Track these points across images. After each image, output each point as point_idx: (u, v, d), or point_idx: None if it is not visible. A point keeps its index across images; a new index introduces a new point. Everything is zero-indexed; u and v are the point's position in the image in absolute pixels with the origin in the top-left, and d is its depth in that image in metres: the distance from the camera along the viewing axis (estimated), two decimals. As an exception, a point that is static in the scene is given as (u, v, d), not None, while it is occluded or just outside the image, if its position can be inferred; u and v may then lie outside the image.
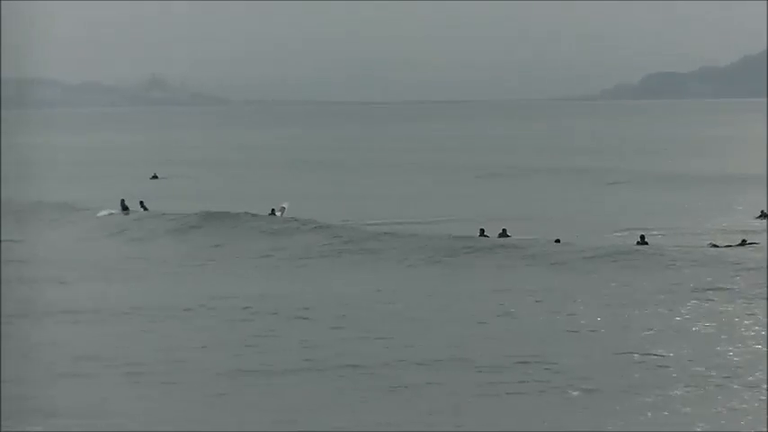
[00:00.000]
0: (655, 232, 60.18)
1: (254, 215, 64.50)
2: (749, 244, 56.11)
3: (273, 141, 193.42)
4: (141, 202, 71.09)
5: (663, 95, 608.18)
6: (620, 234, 61.04)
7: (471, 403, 27.36)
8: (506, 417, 26.50)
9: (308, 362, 31.14)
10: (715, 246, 55.46)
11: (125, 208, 70.89)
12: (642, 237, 57.35)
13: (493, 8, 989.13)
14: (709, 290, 42.23)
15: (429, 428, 25.48)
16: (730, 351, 32.38)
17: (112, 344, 34.37)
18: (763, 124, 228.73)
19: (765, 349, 32.16)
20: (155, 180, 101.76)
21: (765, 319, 36.31)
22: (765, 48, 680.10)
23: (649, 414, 26.15)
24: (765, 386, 28.03)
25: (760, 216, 69.53)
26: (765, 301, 38.97)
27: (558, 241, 55.42)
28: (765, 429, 22.89)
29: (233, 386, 28.77)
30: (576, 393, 27.79)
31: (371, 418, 26.15)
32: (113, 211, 70.45)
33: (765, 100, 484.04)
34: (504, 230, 60.25)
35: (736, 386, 28.27)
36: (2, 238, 59.36)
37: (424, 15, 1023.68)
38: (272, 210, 68.47)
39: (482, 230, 58.76)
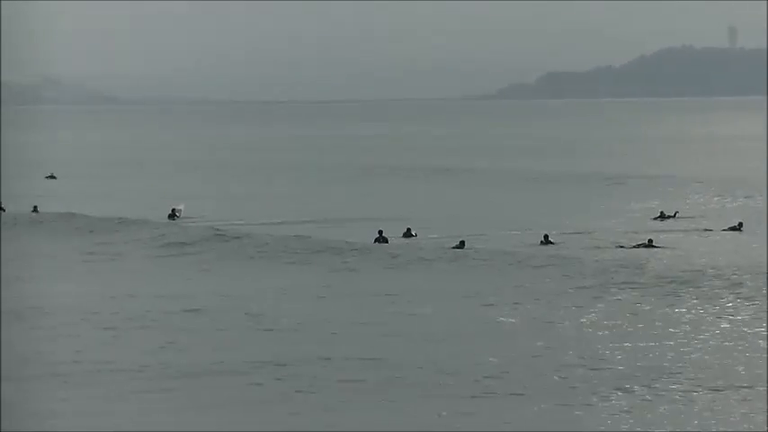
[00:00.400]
0: (554, 231, 59.81)
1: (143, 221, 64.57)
2: (653, 246, 56.39)
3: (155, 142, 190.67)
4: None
5: (558, 95, 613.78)
6: (521, 233, 61.15)
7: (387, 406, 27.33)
8: (425, 417, 26.41)
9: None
10: (621, 246, 56.25)
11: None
12: (546, 236, 57.96)
13: (391, 6, 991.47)
14: (617, 289, 42.96)
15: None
16: (646, 349, 32.81)
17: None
18: (653, 124, 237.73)
19: (673, 344, 33.44)
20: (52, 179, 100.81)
21: (674, 316, 37.85)
22: (660, 48, 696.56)
23: (578, 413, 26.34)
24: (676, 382, 28.88)
25: (658, 217, 70.27)
26: (671, 298, 40.96)
27: (462, 243, 55.44)
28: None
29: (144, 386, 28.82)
30: (492, 393, 27.99)
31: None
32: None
33: (661, 99, 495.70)
34: (408, 230, 60.79)
35: (657, 384, 28.57)
36: None
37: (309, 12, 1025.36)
38: (173, 210, 70.02)
39: (380, 231, 58.13)
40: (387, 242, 57.68)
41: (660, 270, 47.78)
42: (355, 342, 35.20)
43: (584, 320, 37.66)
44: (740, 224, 63.95)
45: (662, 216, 70.84)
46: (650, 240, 56.82)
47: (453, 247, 55.23)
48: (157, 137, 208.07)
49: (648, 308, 39.50)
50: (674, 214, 71.19)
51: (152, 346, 33.34)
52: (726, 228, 63.70)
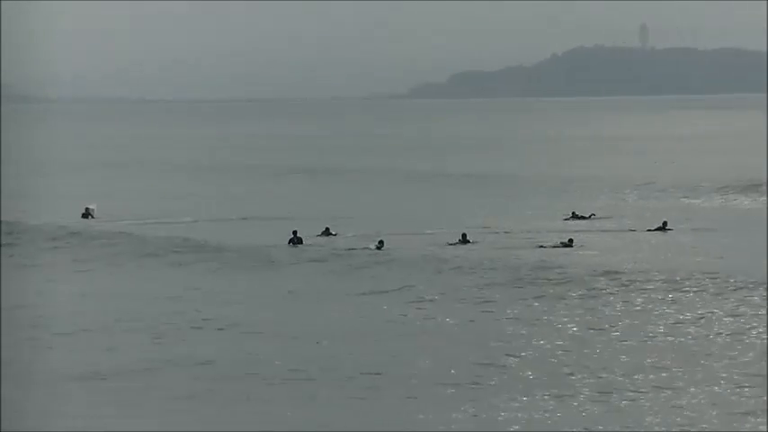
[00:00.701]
0: (468, 230, 59.93)
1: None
2: (572, 245, 57.06)
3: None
4: None
5: (470, 94, 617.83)
6: (437, 233, 61.46)
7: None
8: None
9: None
10: (542, 246, 56.89)
11: None
12: (464, 235, 58.67)
13: (305, 6, 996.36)
14: (534, 288, 43.54)
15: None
16: (554, 348, 33.47)
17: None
18: (559, 124, 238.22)
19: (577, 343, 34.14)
20: None
21: (588, 317, 38.30)
22: (571, 47, 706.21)
23: (504, 414, 26.51)
24: (576, 382, 29.40)
25: (571, 217, 70.79)
26: (584, 299, 41.47)
27: (381, 243, 56.16)
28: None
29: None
30: (370, 391, 28.68)
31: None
32: None
33: (571, 99, 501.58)
34: (327, 229, 61.53)
35: (555, 386, 28.87)
36: None
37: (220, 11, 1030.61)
38: (86, 209, 70.94)
39: (294, 232, 58.62)
40: (301, 243, 58.02)
41: (575, 270, 47.88)
42: (242, 341, 36.06)
43: (493, 320, 38.33)
44: (665, 224, 64.53)
45: (574, 216, 71.05)
46: (570, 240, 57.66)
47: (373, 248, 55.71)
48: (108, 134, 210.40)
49: (563, 308, 39.87)
50: (590, 216, 71.41)
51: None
52: (652, 228, 64.10)
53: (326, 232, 61.90)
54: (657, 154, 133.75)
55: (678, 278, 45.11)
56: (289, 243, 57.97)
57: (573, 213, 72.01)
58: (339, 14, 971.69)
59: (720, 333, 35.59)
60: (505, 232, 62.96)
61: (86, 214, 69.86)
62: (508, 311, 39.57)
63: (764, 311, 38.10)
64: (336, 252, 55.27)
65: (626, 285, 44.12)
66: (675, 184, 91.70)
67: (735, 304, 40.00)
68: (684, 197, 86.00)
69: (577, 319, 38.26)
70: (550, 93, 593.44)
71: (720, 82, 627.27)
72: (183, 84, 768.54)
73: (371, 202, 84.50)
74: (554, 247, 57.06)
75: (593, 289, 43.37)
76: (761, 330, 35.66)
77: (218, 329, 37.64)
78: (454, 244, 57.85)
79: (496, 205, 79.06)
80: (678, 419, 26.38)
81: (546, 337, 35.46)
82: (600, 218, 71.45)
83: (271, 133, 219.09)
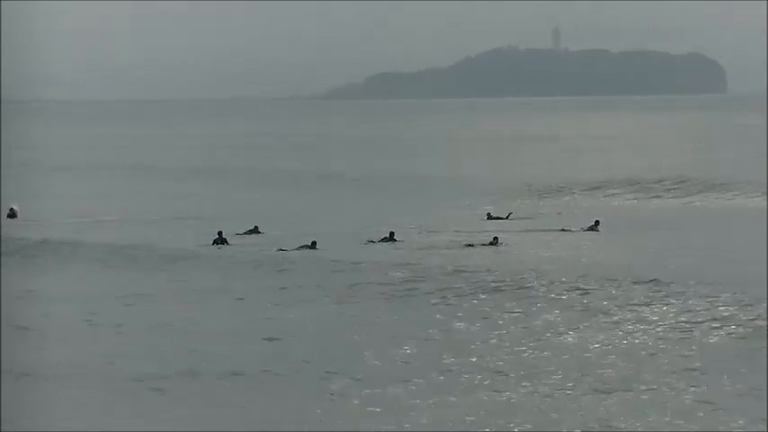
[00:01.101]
0: (398, 228, 59.73)
1: None
2: (498, 244, 56.60)
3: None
4: None
5: (387, 95, 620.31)
6: (362, 231, 61.22)
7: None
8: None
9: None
10: (470, 245, 56.33)
11: None
12: (392, 234, 58.37)
13: (218, 7, 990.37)
14: (464, 287, 42.59)
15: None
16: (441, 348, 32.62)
17: None
18: (472, 124, 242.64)
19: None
20: None
21: (513, 316, 37.47)
22: (486, 49, 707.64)
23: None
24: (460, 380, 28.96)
25: (488, 217, 70.32)
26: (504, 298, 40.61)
27: (314, 243, 55.45)
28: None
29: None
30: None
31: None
32: None
33: (485, 99, 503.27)
34: (255, 227, 61.26)
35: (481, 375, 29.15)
36: None
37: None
38: (11, 209, 69.59)
39: (219, 233, 57.40)
40: (227, 243, 56.71)
41: (503, 267, 47.09)
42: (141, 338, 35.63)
43: (415, 315, 37.91)
44: (597, 222, 64.03)
45: (489, 216, 70.83)
46: (495, 238, 57.17)
47: (305, 247, 54.97)
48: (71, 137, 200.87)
49: (476, 307, 39.05)
50: (507, 216, 71.21)
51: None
52: (585, 227, 63.29)
53: (254, 230, 61.49)
54: (554, 154, 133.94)
55: (599, 277, 43.83)
56: (213, 243, 56.89)
57: (488, 214, 71.91)
58: (258, 17, 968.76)
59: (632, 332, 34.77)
60: (432, 231, 62.55)
61: (12, 214, 68.56)
62: (429, 308, 38.96)
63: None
64: (260, 253, 53.98)
65: (551, 283, 43.04)
66: (568, 184, 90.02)
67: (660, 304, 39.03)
68: (585, 196, 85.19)
69: (506, 316, 37.45)
70: (464, 93, 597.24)
71: (628, 82, 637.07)
72: (178, 84, 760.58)
73: (287, 202, 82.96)
74: (482, 245, 56.63)
75: (518, 287, 42.47)
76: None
77: (117, 325, 37.20)
78: (378, 242, 57.42)
79: (415, 206, 78.04)
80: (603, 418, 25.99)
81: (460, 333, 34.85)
82: (518, 218, 70.76)
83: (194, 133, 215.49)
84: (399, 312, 39.26)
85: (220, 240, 56.85)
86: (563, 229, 64.04)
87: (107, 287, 45.83)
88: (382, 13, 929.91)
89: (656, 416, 25.95)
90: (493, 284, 43.39)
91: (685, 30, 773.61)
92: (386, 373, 30.33)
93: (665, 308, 38.40)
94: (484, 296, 41.47)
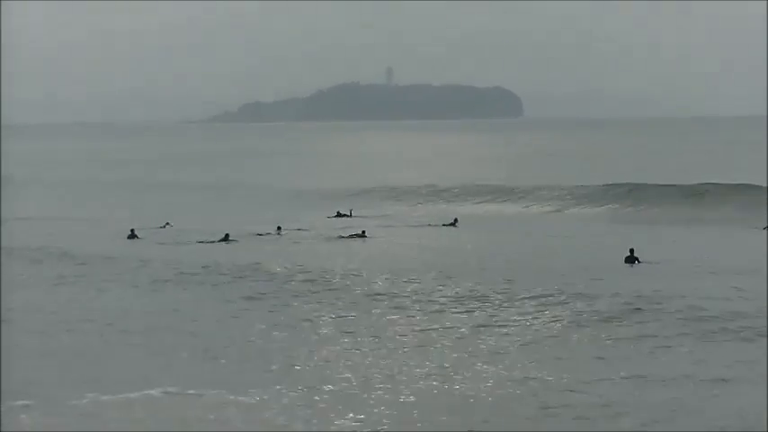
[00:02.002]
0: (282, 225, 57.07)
1: None
2: (360, 236, 53.50)
3: None
4: None
5: (256, 120, 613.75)
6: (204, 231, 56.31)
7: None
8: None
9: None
10: (341, 237, 53.39)
11: None
12: (278, 228, 55.85)
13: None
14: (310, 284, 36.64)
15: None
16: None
17: None
18: (322, 142, 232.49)
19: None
20: None
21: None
22: (334, 84, 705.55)
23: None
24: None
25: (336, 216, 67.65)
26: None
27: (227, 236, 51.46)
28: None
29: None
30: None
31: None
32: None
33: (333, 123, 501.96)
34: (167, 223, 58.64)
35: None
36: None
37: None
38: None
39: (132, 230, 53.98)
40: (137, 237, 53.21)
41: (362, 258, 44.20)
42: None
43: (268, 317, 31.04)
44: (456, 220, 61.61)
45: (338, 215, 67.85)
46: (363, 231, 54.07)
47: (220, 240, 51.02)
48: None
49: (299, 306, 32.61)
50: (350, 212, 68.33)
51: None
52: (446, 223, 60.67)
53: (167, 225, 58.66)
54: (372, 165, 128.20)
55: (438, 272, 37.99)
56: (128, 238, 53.01)
57: (337, 212, 68.58)
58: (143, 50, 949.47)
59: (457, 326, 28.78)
60: (308, 229, 57.44)
61: None
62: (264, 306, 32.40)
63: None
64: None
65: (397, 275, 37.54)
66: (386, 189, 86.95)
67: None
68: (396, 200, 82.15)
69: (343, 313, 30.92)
70: (318, 119, 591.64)
71: (447, 110, 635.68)
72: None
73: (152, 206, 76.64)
74: (350, 236, 53.06)
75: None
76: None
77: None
78: (218, 242, 50.78)
79: (272, 209, 73.30)
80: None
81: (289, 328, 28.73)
82: (360, 216, 67.08)
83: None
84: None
85: (132, 235, 53.34)
86: (429, 224, 61.45)
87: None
88: (254, 52, 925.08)
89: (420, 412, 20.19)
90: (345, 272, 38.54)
91: (490, 68, 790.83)
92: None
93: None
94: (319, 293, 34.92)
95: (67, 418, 20.10)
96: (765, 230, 54.51)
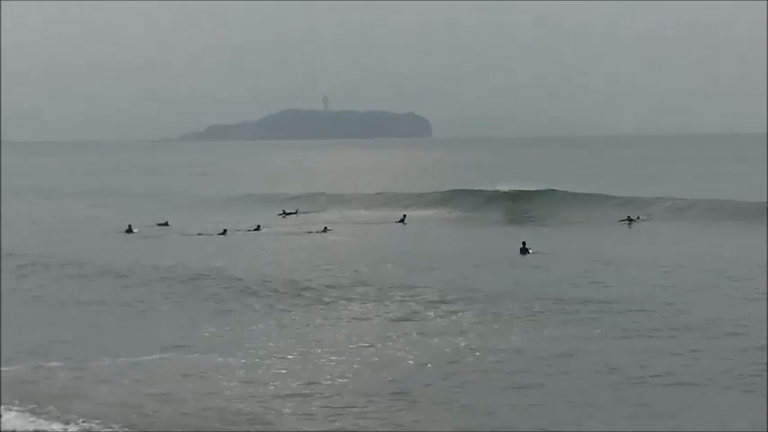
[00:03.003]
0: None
1: None
2: (329, 230, 51.78)
3: None
4: None
5: (219, 139, 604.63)
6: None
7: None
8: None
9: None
10: (309, 232, 51.18)
11: None
12: (257, 226, 53.26)
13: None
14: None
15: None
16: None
17: None
18: (269, 159, 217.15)
19: None
20: None
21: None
22: (282, 109, 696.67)
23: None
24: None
25: (282, 214, 64.41)
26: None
27: (164, 223, 51.28)
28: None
29: None
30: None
31: None
32: None
33: (280, 142, 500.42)
34: (166, 222, 55.57)
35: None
36: None
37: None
38: None
39: (129, 225, 52.04)
40: (133, 232, 51.24)
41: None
42: None
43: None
44: (404, 217, 58.28)
45: (284, 213, 64.50)
46: (326, 228, 52.22)
47: (253, 230, 52.15)
48: None
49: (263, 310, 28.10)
50: (296, 211, 65.06)
51: None
52: (397, 221, 57.29)
53: (165, 224, 54.93)
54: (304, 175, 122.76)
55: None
56: (126, 232, 51.17)
57: (283, 210, 65.38)
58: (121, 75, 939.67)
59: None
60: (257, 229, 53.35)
61: None
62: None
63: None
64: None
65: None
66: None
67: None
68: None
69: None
70: (269, 138, 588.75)
71: (370, 131, 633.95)
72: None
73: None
74: (318, 232, 50.98)
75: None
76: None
77: None
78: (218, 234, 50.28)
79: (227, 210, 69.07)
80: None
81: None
82: (306, 212, 64.22)
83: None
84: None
85: (130, 230, 51.42)
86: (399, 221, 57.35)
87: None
88: (216, 78, 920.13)
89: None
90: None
91: (405, 97, 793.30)
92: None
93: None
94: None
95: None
96: (627, 222, 54.19)
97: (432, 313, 27.40)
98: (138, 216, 59.48)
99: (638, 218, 54.23)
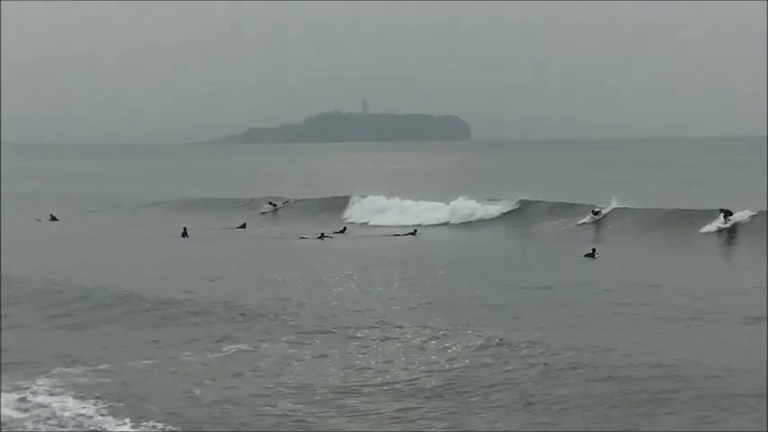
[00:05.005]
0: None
1: None
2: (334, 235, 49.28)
3: None
4: None
5: (257, 142, 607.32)
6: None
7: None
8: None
9: None
10: (303, 237, 48.28)
11: None
12: (184, 229, 50.93)
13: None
14: None
15: None
16: None
17: None
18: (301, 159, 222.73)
19: None
20: None
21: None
22: (320, 112, 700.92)
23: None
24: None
25: (269, 204, 63.43)
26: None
27: (186, 232, 49.67)
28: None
29: None
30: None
31: None
32: None
33: (320, 145, 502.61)
34: (243, 224, 54.54)
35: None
36: None
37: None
38: None
39: (185, 228, 50.51)
40: (187, 235, 49.60)
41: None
42: None
43: None
44: (415, 231, 52.22)
45: (271, 203, 63.62)
46: (323, 235, 48.43)
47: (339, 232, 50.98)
48: None
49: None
50: (279, 203, 63.26)
51: None
52: (405, 233, 50.84)
53: (243, 226, 54.16)
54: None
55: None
56: (182, 236, 49.39)
57: (269, 202, 64.47)
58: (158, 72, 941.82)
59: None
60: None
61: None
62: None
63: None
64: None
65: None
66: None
67: None
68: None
69: None
70: (308, 141, 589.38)
71: (408, 134, 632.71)
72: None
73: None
74: (320, 237, 47.80)
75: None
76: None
77: None
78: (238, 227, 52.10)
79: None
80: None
81: None
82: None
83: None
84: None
85: (185, 233, 49.74)
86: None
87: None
88: (255, 80, 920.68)
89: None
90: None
91: (443, 99, 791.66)
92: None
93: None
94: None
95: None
96: (590, 220, 51.34)
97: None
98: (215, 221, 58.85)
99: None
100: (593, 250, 39.01)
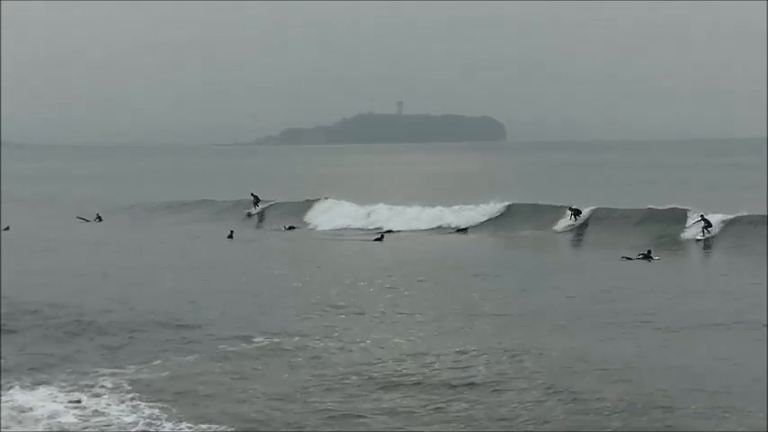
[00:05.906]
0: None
1: None
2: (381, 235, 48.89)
3: None
4: None
5: (293, 143, 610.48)
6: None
7: None
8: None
9: None
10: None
11: None
12: (291, 226, 53.56)
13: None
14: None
15: None
16: None
17: None
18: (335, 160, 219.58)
19: None
20: None
21: None
22: (355, 114, 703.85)
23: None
24: None
25: (252, 196, 63.82)
26: None
27: (290, 227, 52.04)
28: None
29: None
30: None
31: None
32: None
33: (356, 145, 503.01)
34: (291, 226, 55.14)
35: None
36: None
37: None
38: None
39: (231, 231, 51.26)
40: (232, 237, 50.07)
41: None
42: None
43: None
44: (388, 231, 52.31)
45: (252, 195, 63.21)
46: (384, 234, 49.58)
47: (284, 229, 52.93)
48: None
49: None
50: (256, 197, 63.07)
51: None
52: (376, 238, 48.92)
53: (292, 227, 55.28)
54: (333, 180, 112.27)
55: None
56: (228, 237, 49.68)
57: (251, 193, 64.43)
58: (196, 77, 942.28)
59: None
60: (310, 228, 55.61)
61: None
62: None
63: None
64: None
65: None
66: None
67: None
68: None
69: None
70: (343, 142, 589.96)
71: (445, 134, 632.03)
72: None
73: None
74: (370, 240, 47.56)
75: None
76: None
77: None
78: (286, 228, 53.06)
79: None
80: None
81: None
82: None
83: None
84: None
85: (231, 235, 50.17)
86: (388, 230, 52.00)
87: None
88: (294, 85, 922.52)
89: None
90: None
91: (479, 101, 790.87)
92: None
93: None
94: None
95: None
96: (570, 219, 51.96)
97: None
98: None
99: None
100: (649, 251, 38.63)
